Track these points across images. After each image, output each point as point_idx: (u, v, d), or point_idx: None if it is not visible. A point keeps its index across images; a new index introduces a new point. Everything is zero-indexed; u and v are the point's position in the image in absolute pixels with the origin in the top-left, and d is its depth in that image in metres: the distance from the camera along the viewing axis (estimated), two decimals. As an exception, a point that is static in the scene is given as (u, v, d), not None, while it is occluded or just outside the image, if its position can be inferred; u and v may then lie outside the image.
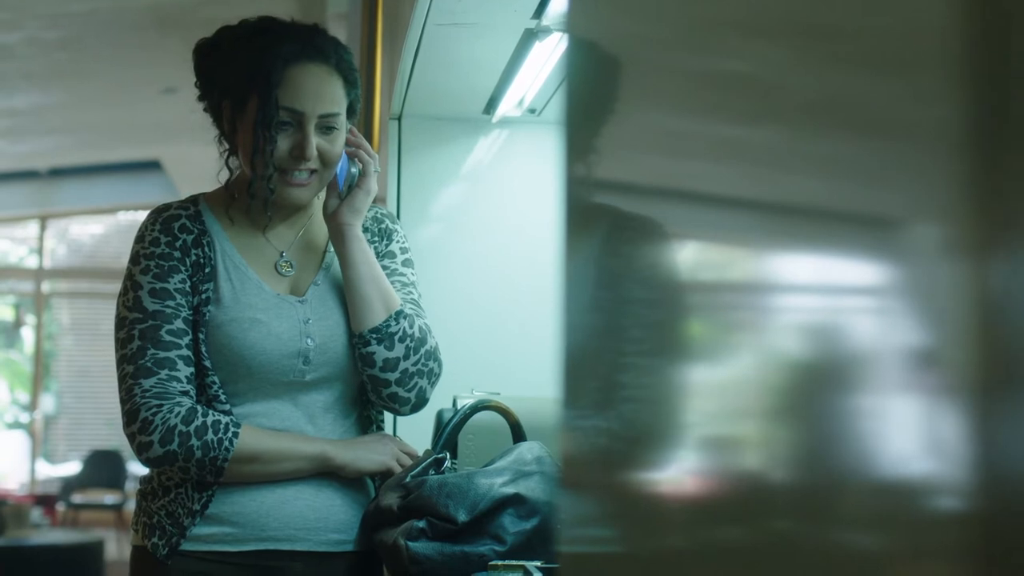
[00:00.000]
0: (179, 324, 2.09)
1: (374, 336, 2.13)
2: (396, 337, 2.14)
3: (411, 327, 2.16)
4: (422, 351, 2.17)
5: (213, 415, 2.07)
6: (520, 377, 2.92)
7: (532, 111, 2.93)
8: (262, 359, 2.10)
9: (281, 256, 2.20)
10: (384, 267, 2.23)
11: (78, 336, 14.54)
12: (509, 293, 3.06)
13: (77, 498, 12.41)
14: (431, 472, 2.12)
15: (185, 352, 2.09)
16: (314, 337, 2.14)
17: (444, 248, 3.06)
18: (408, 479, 2.10)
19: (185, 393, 2.07)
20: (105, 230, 14.34)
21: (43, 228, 14.16)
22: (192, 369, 2.10)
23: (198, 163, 9.57)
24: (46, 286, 14.39)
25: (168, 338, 2.08)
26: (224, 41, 2.18)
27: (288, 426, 2.13)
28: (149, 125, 10.39)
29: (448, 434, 2.23)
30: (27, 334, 14.64)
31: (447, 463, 2.16)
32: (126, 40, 8.21)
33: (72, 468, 13.25)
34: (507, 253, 3.08)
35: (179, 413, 2.05)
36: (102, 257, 14.29)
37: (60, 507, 12.05)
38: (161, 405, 2.05)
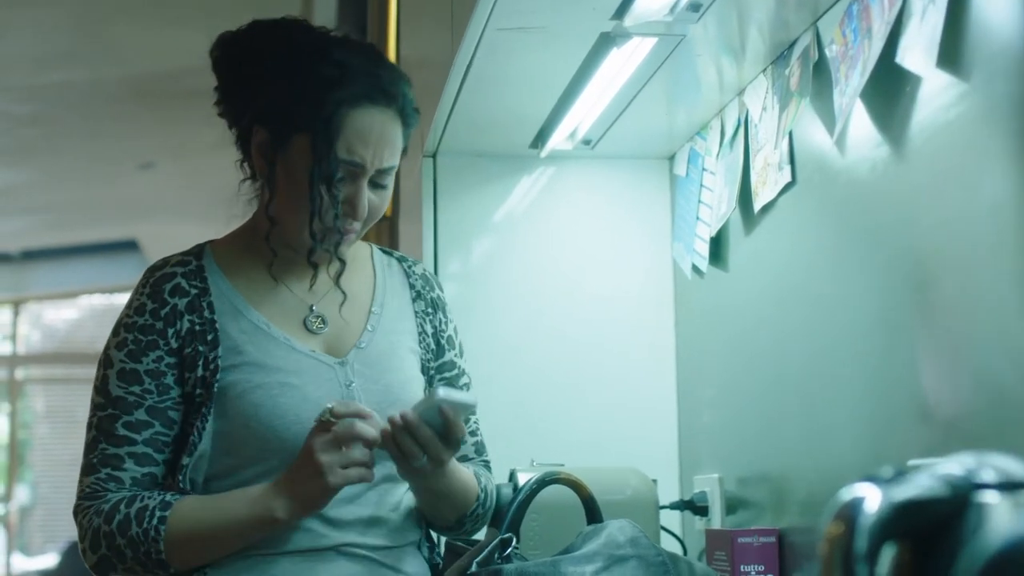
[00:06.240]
0: (140, 415, 1.78)
1: (451, 527, 1.98)
2: (470, 520, 1.97)
3: (485, 505, 1.97)
4: (488, 512, 2.00)
5: (141, 502, 1.73)
6: (584, 446, 2.63)
7: (587, 143, 2.64)
8: (297, 429, 1.74)
9: (311, 311, 1.86)
10: (444, 363, 1.99)
11: (53, 424, 14.28)
12: (565, 352, 2.77)
13: (55, 592, 12.06)
14: (497, 557, 1.80)
15: (140, 449, 1.77)
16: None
17: (489, 303, 2.76)
18: (475, 567, 1.78)
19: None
20: (80, 315, 14.14)
21: (16, 313, 13.93)
22: (147, 469, 1.77)
23: (177, 242, 9.28)
24: (20, 373, 14.15)
25: (122, 432, 1.77)
26: (262, 47, 1.82)
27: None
28: (125, 203, 10.10)
29: (514, 513, 1.94)
30: (1, 423, 14.35)
31: (512, 546, 1.86)
32: (101, 113, 7.93)
33: (49, 560, 12.91)
34: (561, 307, 2.77)
35: (101, 511, 1.74)
36: (77, 342, 14.06)
37: (37, 602, 11.74)
38: (89, 507, 1.76)
